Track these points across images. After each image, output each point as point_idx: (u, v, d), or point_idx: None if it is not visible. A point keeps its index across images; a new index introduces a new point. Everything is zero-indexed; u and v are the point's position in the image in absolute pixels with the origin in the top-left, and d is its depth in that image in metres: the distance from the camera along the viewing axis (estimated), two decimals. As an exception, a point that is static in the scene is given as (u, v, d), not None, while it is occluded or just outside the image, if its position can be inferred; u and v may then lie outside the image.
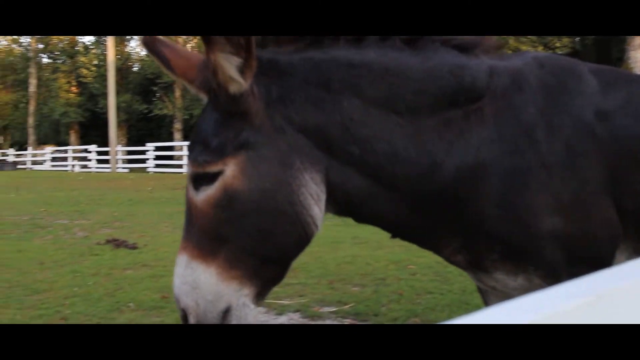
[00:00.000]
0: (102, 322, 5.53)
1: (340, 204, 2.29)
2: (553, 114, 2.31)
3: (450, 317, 5.32)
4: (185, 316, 2.20)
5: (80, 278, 7.32)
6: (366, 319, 5.47)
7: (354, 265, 7.64)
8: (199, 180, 2.15)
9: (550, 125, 2.29)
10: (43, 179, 30.41)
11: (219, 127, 2.15)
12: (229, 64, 2.08)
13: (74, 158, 42.92)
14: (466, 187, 2.28)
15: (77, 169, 40.87)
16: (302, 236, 2.21)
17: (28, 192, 21.65)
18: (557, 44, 24.21)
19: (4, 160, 47.34)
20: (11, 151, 50.30)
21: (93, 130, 53.06)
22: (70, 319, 5.63)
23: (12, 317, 5.71)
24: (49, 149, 48.59)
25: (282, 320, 5.49)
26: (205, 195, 2.13)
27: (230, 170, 2.11)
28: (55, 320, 5.61)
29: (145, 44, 2.36)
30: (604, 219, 2.29)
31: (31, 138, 51.42)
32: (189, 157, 2.21)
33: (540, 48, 23.49)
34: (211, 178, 2.12)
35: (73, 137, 51.58)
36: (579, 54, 24.74)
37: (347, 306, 5.83)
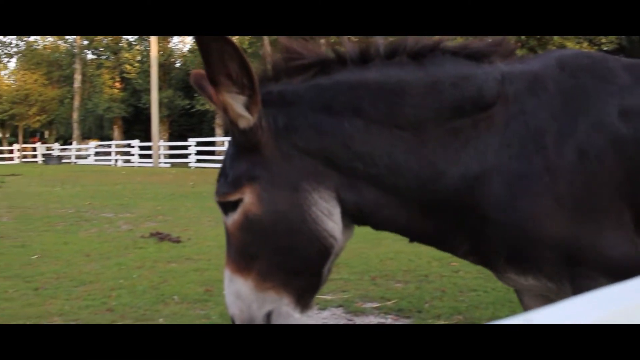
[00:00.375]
0: (147, 314, 5.61)
1: (355, 215, 2.45)
2: (566, 118, 2.31)
3: (494, 315, 5.28)
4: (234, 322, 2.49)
5: (126, 270, 7.44)
6: (409, 316, 5.46)
7: (396, 262, 7.62)
8: (225, 207, 2.44)
9: (561, 129, 2.29)
10: (87, 173, 30.89)
11: (235, 161, 2.43)
12: (236, 102, 2.33)
13: (117, 153, 43.46)
14: (471, 193, 2.35)
15: (120, 163, 41.38)
16: (321, 249, 2.40)
17: (73, 186, 22.02)
18: (603, 40, 23.77)
19: (49, 154, 48.11)
20: (56, 145, 51.08)
21: (136, 125, 53.77)
22: (116, 311, 5.72)
23: (60, 308, 5.83)
24: (92, 143, 49.33)
25: (325, 315, 5.51)
26: (232, 220, 2.42)
27: (247, 198, 2.37)
28: (102, 311, 5.71)
29: (193, 81, 2.72)
30: (616, 223, 2.28)
31: (75, 133, 52.24)
32: (216, 188, 2.49)
33: (585, 44, 23.11)
34: (234, 206, 2.40)
35: (116, 132, 52.29)
36: (625, 49, 24.30)
37: (390, 302, 5.82)
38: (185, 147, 37.31)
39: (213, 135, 43.24)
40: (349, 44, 2.48)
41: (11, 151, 49.87)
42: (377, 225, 2.52)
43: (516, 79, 2.39)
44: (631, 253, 2.27)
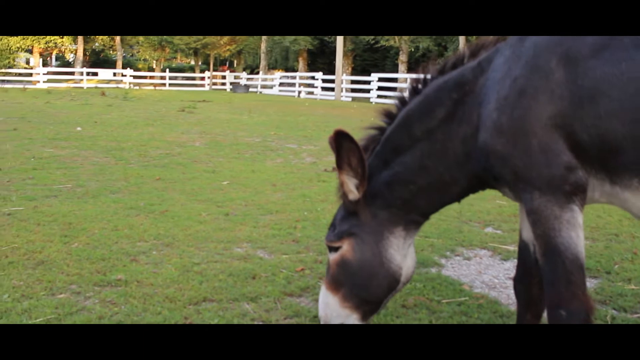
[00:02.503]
0: (331, 248, 5.73)
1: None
2: (516, 66, 2.86)
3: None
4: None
5: (310, 203, 7.65)
6: (596, 276, 5.22)
7: (584, 217, 7.27)
8: (330, 249, 3.46)
9: (510, 74, 2.86)
10: (272, 103, 31.87)
11: (341, 220, 3.43)
12: (351, 182, 3.31)
13: (301, 84, 44.41)
14: (464, 139, 3.09)
15: (303, 95, 42.31)
16: (391, 283, 3.37)
17: (259, 115, 22.81)
18: None
19: (237, 82, 50.08)
20: (244, 74, 53.03)
21: (320, 58, 54.54)
22: (301, 242, 5.91)
23: (249, 235, 6.10)
24: (278, 74, 50.67)
25: (507, 266, 5.39)
26: (333, 257, 3.44)
27: (344, 247, 3.39)
28: (288, 241, 5.91)
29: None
30: (547, 149, 2.74)
31: (262, 63, 53.89)
32: (327, 234, 3.49)
33: None
34: (335, 249, 3.42)
35: (301, 63, 53.35)
36: None
37: (577, 259, 5.58)
38: (367, 82, 37.49)
39: (396, 71, 43.06)
40: (382, 116, 3.44)
41: (202, 78, 52.29)
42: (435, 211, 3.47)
43: (491, 55, 3.08)
44: (559, 173, 2.74)
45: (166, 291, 4.51)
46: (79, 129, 15.59)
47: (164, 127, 16.97)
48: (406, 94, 3.39)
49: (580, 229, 2.79)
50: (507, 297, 4.62)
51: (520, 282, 3.42)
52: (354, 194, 3.32)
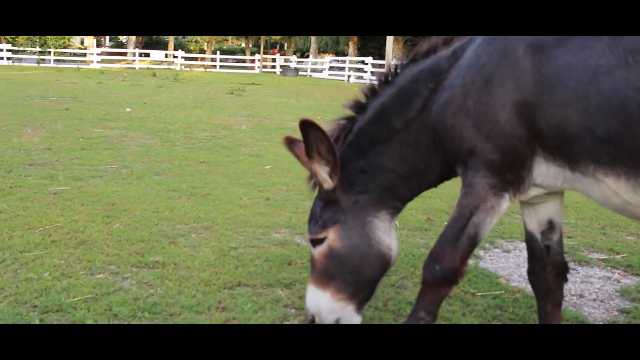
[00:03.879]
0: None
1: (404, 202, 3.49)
2: (484, 53, 2.93)
3: None
4: (313, 320, 3.43)
5: (351, 190, 7.62)
6: (638, 274, 5.12)
7: (630, 212, 7.13)
8: (314, 242, 3.41)
9: (478, 62, 2.93)
10: (320, 87, 31.85)
11: (322, 210, 3.40)
12: (323, 171, 3.28)
13: (350, 68, 44.27)
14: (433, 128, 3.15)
15: (352, 79, 42.16)
16: (383, 263, 3.38)
17: (307, 99, 22.84)
18: None
19: (287, 66, 50.13)
20: (294, 58, 53.03)
21: (371, 43, 54.17)
22: (340, 229, 5.89)
23: (288, 220, 6.14)
24: (328, 58, 50.57)
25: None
26: (319, 251, 3.39)
27: (330, 236, 3.36)
28: (326, 228, 5.90)
29: (285, 143, 3.66)
30: (504, 134, 2.84)
31: (312, 46, 53.80)
32: (308, 228, 3.47)
33: None
34: (321, 241, 3.38)
35: (351, 48, 53.08)
36: None
37: (618, 256, 5.48)
38: (417, 68, 37.08)
39: (446, 57, 42.49)
40: (351, 105, 3.46)
41: (253, 61, 52.47)
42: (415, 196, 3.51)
43: (465, 42, 3.12)
44: (508, 162, 2.88)
45: (202, 274, 4.56)
46: (128, 109, 15.82)
47: (212, 109, 17.11)
48: (376, 84, 3.42)
49: (498, 216, 3.02)
50: (545, 292, 4.55)
51: (534, 273, 3.43)
52: (328, 183, 3.32)
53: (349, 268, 3.33)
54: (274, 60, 54.90)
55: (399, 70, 3.34)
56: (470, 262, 5.15)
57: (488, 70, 2.89)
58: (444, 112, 3.01)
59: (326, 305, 3.38)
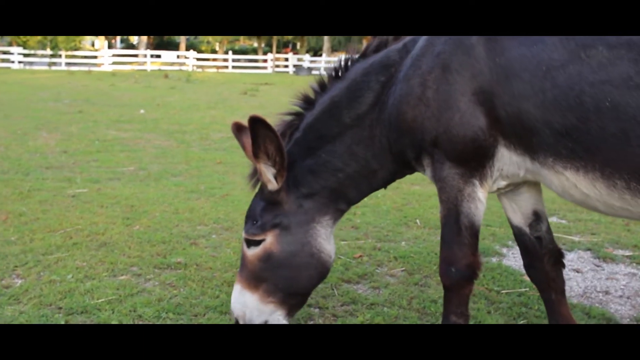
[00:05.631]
0: (390, 235, 5.70)
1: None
2: (440, 43, 2.92)
3: None
4: (237, 321, 3.35)
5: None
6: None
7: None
8: (249, 243, 3.27)
9: (434, 51, 2.92)
10: (333, 86, 31.70)
11: (262, 211, 3.25)
12: (268, 172, 3.16)
13: (363, 67, 44.06)
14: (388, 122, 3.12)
15: (364, 78, 41.95)
16: (322, 272, 3.31)
17: (320, 98, 22.72)
18: None
19: (300, 65, 50.04)
20: (307, 57, 52.95)
21: (383, 41, 54.04)
22: (361, 229, 5.88)
23: (308, 220, 6.09)
24: (341, 56, 50.44)
25: (571, 257, 5.26)
26: (253, 252, 3.26)
27: (269, 239, 3.22)
28: (347, 227, 5.88)
29: (233, 129, 3.46)
30: (466, 121, 2.83)
31: (326, 45, 53.74)
32: (245, 227, 3.29)
33: None
34: (257, 243, 3.24)
35: (364, 45, 53.02)
36: None
37: (643, 252, 5.43)
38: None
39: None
40: (298, 100, 3.39)
41: (265, 60, 52.40)
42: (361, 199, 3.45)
43: (417, 37, 3.09)
44: (471, 150, 2.86)
45: (224, 275, 4.55)
46: (142, 111, 15.85)
47: (226, 110, 17.12)
48: (325, 78, 3.37)
49: (479, 201, 2.99)
50: (570, 290, 4.51)
51: (532, 267, 3.44)
52: (272, 184, 3.20)
53: (285, 274, 3.23)
54: (286, 59, 54.83)
55: (349, 65, 3.30)
56: (494, 260, 5.11)
57: (444, 58, 2.88)
58: (403, 105, 2.97)
59: (255, 307, 3.27)
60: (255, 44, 67.52)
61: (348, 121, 3.20)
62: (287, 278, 3.24)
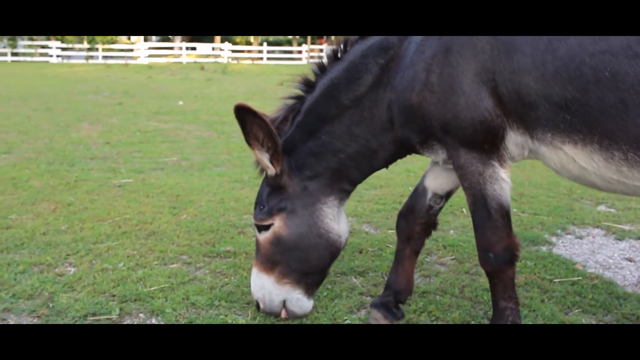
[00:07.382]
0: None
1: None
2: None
3: None
4: (258, 305, 3.57)
5: (414, 178, 7.56)
6: None
7: None
8: (260, 228, 3.42)
9: (438, 38, 2.89)
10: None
11: (268, 196, 3.38)
12: (264, 158, 3.25)
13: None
14: (389, 105, 3.15)
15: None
16: (333, 252, 3.42)
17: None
18: None
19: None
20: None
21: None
22: (406, 217, 5.82)
23: (354, 209, 6.09)
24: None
25: (622, 246, 5.17)
26: (264, 236, 3.40)
27: (277, 223, 3.35)
28: (392, 216, 5.84)
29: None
30: (472, 104, 2.82)
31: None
32: (254, 213, 3.43)
33: None
34: (267, 227, 3.38)
35: (397, 37, 52.79)
36: None
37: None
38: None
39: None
40: (299, 84, 3.38)
41: (300, 52, 52.41)
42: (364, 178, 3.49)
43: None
44: (480, 133, 2.86)
45: (274, 264, 4.54)
46: (180, 103, 15.94)
47: (264, 101, 17.10)
48: (325, 60, 3.36)
49: (503, 181, 2.98)
50: (623, 279, 4.44)
51: (405, 218, 3.58)
52: (270, 169, 3.31)
53: (296, 256, 3.36)
54: (321, 50, 54.76)
55: (348, 47, 3.28)
56: (544, 248, 5.05)
57: (446, 40, 2.88)
58: (409, 92, 2.98)
59: (271, 290, 3.45)
60: (290, 36, 67.46)
61: (346, 102, 3.22)
62: (299, 259, 3.36)
